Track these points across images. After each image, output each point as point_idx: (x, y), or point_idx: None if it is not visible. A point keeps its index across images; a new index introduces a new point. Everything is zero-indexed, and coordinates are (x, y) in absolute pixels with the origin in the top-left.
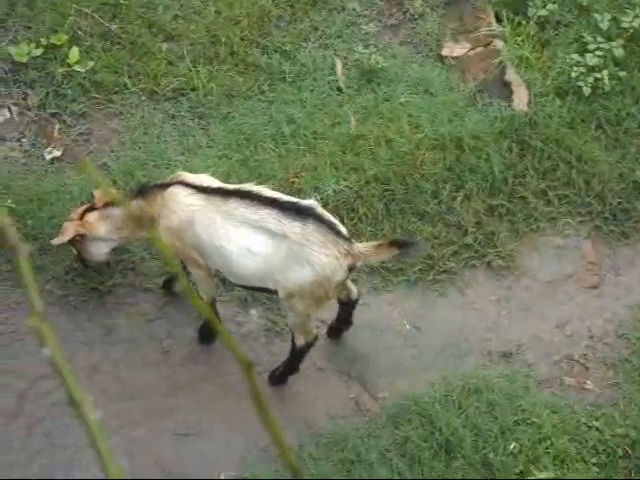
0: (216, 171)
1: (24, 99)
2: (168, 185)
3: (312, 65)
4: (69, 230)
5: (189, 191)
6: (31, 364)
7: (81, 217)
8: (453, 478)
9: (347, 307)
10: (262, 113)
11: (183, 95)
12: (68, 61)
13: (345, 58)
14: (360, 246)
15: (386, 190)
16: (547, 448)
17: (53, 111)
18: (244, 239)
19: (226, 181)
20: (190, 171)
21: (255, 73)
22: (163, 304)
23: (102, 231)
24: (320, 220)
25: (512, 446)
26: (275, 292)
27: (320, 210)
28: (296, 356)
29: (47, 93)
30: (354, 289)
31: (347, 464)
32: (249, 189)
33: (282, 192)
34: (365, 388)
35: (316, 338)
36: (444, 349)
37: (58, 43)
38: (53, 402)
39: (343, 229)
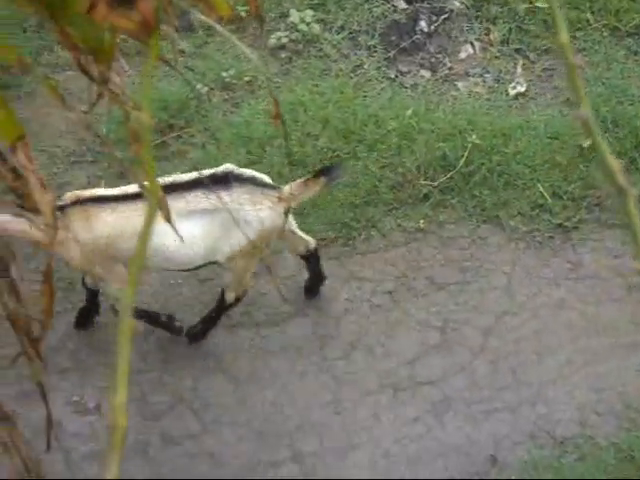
0: None
1: (486, 35)
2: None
3: None
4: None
5: (102, 206)
6: (497, 300)
7: None
8: None
9: (311, 260)
10: None
11: None
12: None
13: None
14: (288, 188)
15: None
16: None
17: (516, 47)
18: (179, 228)
19: None
20: None
21: None
22: (627, 241)
23: None
24: (241, 179)
25: None
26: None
27: (237, 170)
28: (222, 310)
29: (510, 29)
30: (309, 239)
31: None
32: (164, 182)
33: None
34: None
35: (246, 292)
36: None
37: None
38: (518, 337)
39: (266, 178)
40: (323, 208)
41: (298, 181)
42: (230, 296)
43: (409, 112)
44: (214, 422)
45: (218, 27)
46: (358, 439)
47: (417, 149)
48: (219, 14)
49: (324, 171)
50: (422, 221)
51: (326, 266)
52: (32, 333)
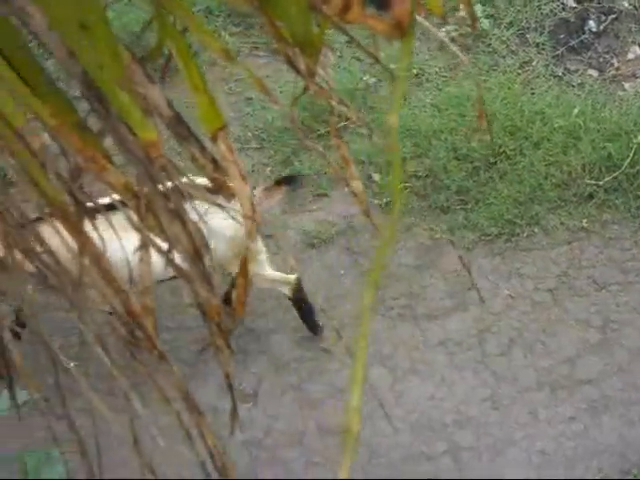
0: None
1: None
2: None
3: None
4: None
5: None
6: None
7: None
8: None
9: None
10: None
11: None
12: None
13: None
14: None
15: None
16: None
17: None
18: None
19: None
20: None
21: None
22: None
23: None
24: None
25: None
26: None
27: (198, 180)
28: (299, 303)
29: None
30: None
31: None
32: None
33: None
34: None
35: (297, 279)
36: None
37: None
38: None
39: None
40: (487, 204)
41: (258, 189)
42: (286, 292)
43: (576, 111)
44: (371, 413)
45: (427, 24)
46: (515, 436)
47: (583, 148)
48: (428, 11)
49: (286, 180)
50: (585, 220)
51: (488, 262)
52: (222, 323)
